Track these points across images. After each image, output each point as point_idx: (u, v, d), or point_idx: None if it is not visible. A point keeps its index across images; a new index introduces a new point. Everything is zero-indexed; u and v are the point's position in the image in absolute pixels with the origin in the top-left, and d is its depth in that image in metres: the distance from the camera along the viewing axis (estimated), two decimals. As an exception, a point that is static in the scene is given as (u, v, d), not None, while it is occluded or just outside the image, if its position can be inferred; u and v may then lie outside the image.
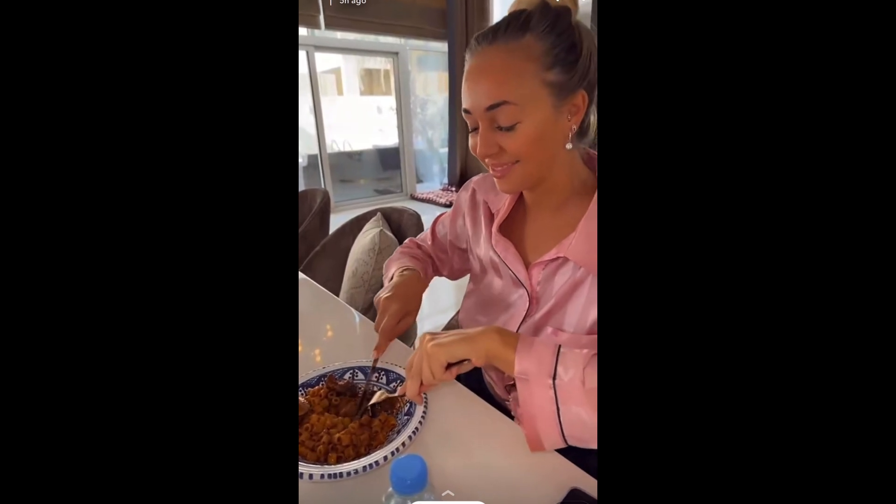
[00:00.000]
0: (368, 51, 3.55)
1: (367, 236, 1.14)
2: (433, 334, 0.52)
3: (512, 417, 0.55)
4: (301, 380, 0.60)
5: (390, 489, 0.34)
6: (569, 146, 0.53)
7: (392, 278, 0.71)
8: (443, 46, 3.55)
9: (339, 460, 0.47)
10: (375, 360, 0.62)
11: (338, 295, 1.11)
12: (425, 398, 0.54)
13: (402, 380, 0.59)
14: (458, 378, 0.54)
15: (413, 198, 3.84)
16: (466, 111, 0.53)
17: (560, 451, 0.47)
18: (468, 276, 0.74)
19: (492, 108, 0.50)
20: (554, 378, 0.45)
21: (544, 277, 0.57)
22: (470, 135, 0.55)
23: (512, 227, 0.63)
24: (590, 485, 0.42)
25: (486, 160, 0.54)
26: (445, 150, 3.91)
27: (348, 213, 1.44)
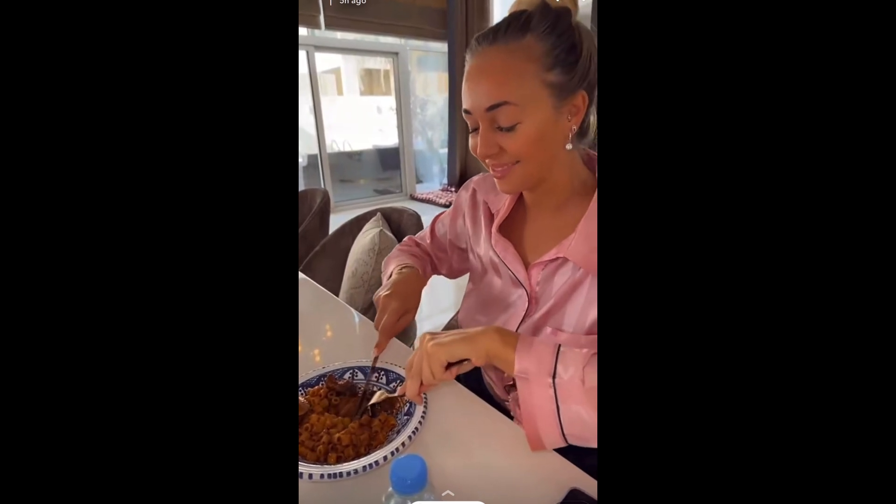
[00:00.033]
0: (368, 51, 3.55)
1: (367, 236, 1.14)
2: (433, 334, 0.52)
3: (511, 418, 0.55)
4: (301, 379, 0.60)
5: (390, 489, 0.34)
6: (569, 147, 0.54)
7: (391, 276, 0.71)
8: (443, 47, 3.54)
9: (338, 460, 0.47)
10: (375, 358, 0.62)
11: (337, 295, 1.11)
12: (425, 398, 0.54)
13: (401, 380, 0.59)
14: (458, 378, 0.54)
15: (413, 198, 3.84)
16: (467, 111, 0.53)
17: (560, 450, 0.47)
18: (468, 275, 0.74)
19: (492, 108, 0.50)
20: (554, 377, 0.45)
21: (544, 278, 0.57)
22: (470, 135, 0.55)
23: (512, 228, 0.63)
24: (590, 485, 0.42)
25: (487, 161, 0.54)
26: (445, 150, 3.91)
27: (348, 213, 1.44)
